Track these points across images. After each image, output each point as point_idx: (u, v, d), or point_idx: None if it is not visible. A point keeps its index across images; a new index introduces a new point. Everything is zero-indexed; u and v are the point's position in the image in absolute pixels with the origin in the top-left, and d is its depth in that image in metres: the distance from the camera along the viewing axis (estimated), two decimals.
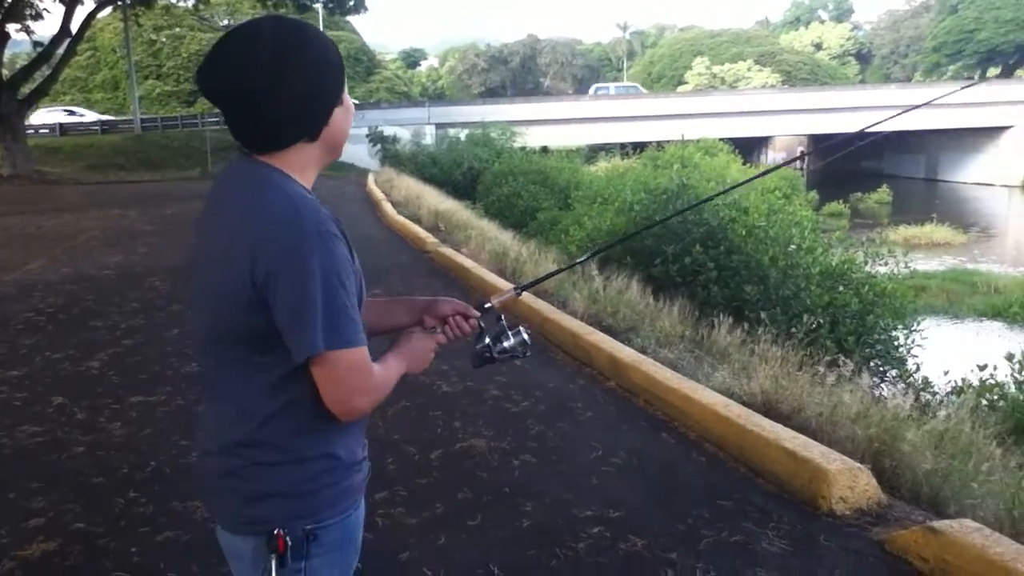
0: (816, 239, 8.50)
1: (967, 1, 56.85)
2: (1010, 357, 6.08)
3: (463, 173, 23.70)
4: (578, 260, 2.45)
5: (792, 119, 40.09)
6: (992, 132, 38.61)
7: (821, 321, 6.91)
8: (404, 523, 3.20)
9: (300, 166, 1.44)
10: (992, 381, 5.90)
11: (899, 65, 74.17)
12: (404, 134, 31.57)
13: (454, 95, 78.18)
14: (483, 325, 1.79)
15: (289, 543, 1.42)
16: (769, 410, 4.08)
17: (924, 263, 17.91)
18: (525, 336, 1.80)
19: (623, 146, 42.75)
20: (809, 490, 3.29)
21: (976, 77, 57.33)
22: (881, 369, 7.45)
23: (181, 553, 3.01)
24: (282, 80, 1.36)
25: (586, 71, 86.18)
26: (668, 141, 28.59)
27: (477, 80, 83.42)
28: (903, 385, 6.79)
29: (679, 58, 71.39)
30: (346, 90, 1.48)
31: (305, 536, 1.44)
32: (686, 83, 64.23)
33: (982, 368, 6.03)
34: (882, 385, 7.10)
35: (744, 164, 31.59)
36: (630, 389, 4.70)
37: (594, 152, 43.09)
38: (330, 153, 1.49)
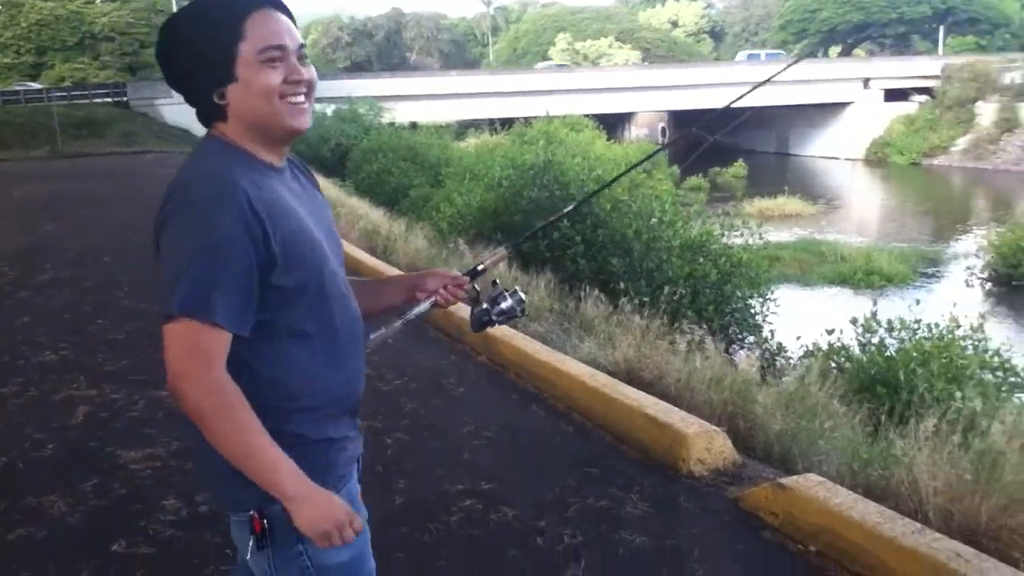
0: (676, 212, 8.82)
1: None
2: (854, 321, 6.47)
3: (331, 150, 23.24)
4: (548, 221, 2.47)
5: (653, 95, 41.21)
6: (835, 108, 40.95)
7: (683, 291, 7.21)
8: None
9: (236, 139, 1.42)
10: (839, 344, 6.30)
11: (750, 43, 77.08)
12: None
13: (319, 69, 76.21)
14: (479, 289, 1.80)
15: (266, 525, 1.39)
16: (632, 378, 4.25)
17: (777, 234, 18.85)
18: (521, 295, 1.80)
19: (492, 122, 42.93)
20: (670, 454, 3.45)
21: (819, 55, 60.42)
22: (739, 336, 7.84)
23: (37, 551, 2.88)
24: (167, 69, 1.42)
25: (452, 46, 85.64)
26: (535, 117, 28.87)
27: (342, 54, 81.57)
28: (759, 351, 7.17)
29: (543, 34, 72.03)
30: (253, 68, 1.37)
31: (287, 516, 1.39)
32: (551, 59, 64.89)
33: (830, 332, 6.43)
34: (740, 351, 7.48)
35: (608, 140, 32.33)
36: (501, 363, 4.78)
37: (464, 128, 43.08)
38: (259, 131, 1.42)
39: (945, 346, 5.82)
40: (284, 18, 1.42)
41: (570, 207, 2.50)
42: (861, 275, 15.94)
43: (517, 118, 31.34)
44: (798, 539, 2.87)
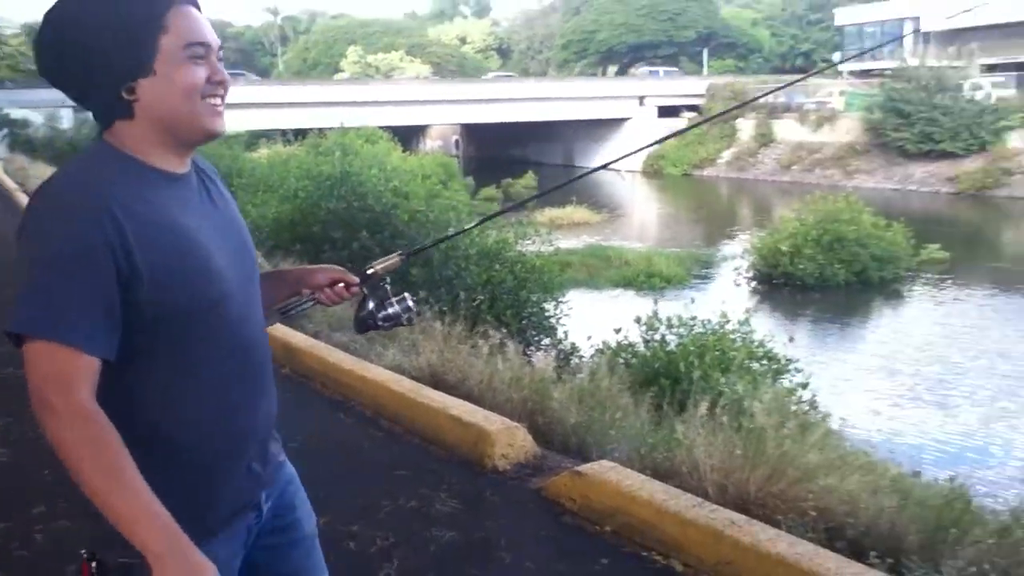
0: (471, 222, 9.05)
1: (587, 4, 63.09)
2: (638, 320, 6.94)
3: None
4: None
5: (446, 109, 41.90)
6: (615, 123, 43.39)
7: (482, 298, 7.43)
8: (70, 538, 3.00)
9: (134, 144, 1.29)
10: (627, 342, 6.74)
11: (535, 60, 79.92)
12: (36, 118, 28.35)
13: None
14: (366, 291, 1.72)
15: (95, 572, 1.22)
16: (437, 382, 4.37)
17: (567, 241, 19.65)
18: (410, 303, 1.74)
19: (284, 133, 41.85)
20: (476, 451, 3.61)
21: (599, 74, 63.75)
22: (536, 338, 8.17)
23: None
24: (52, 60, 1.28)
25: (239, 55, 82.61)
26: (329, 128, 28.46)
27: None
28: (554, 351, 7.52)
29: (333, 46, 71.14)
30: (176, 63, 1.27)
31: (121, 569, 1.22)
32: (343, 71, 64.22)
33: (617, 331, 6.86)
34: (538, 352, 7.80)
35: (404, 152, 32.45)
36: (305, 374, 4.76)
37: (255, 139, 41.70)
38: (169, 132, 1.30)
39: (718, 339, 6.39)
40: (204, 16, 1.34)
41: (487, 218, 2.52)
42: (643, 278, 16.94)
43: (311, 129, 30.77)
44: (595, 521, 3.10)
